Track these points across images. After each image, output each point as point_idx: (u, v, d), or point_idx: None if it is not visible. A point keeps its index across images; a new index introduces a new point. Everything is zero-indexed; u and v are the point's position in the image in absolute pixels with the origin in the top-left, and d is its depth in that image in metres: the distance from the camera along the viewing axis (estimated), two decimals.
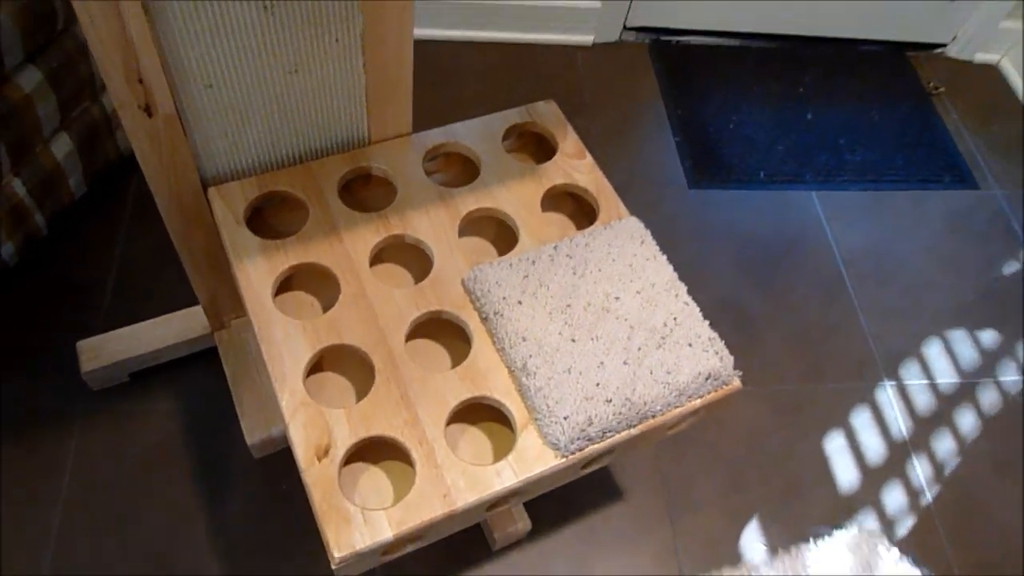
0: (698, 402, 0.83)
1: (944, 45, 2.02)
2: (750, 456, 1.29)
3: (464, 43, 1.81)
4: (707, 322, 0.87)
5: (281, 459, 1.18)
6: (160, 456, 1.17)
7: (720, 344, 0.85)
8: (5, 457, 1.14)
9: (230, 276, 1.10)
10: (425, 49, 1.78)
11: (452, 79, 1.74)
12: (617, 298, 0.86)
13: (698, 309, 0.88)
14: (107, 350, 1.16)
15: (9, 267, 1.24)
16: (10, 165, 1.14)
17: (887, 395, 1.40)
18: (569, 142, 1.03)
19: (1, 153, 1.11)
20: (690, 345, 0.84)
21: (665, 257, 0.91)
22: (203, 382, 1.22)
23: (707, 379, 0.83)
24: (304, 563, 1.10)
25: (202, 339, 1.20)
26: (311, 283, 0.94)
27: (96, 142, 1.30)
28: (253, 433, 1.12)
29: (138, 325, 1.19)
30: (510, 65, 1.78)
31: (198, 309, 1.20)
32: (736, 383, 0.86)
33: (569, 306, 0.85)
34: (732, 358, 0.85)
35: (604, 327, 0.84)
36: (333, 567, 0.73)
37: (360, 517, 0.73)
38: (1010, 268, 1.62)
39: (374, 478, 0.83)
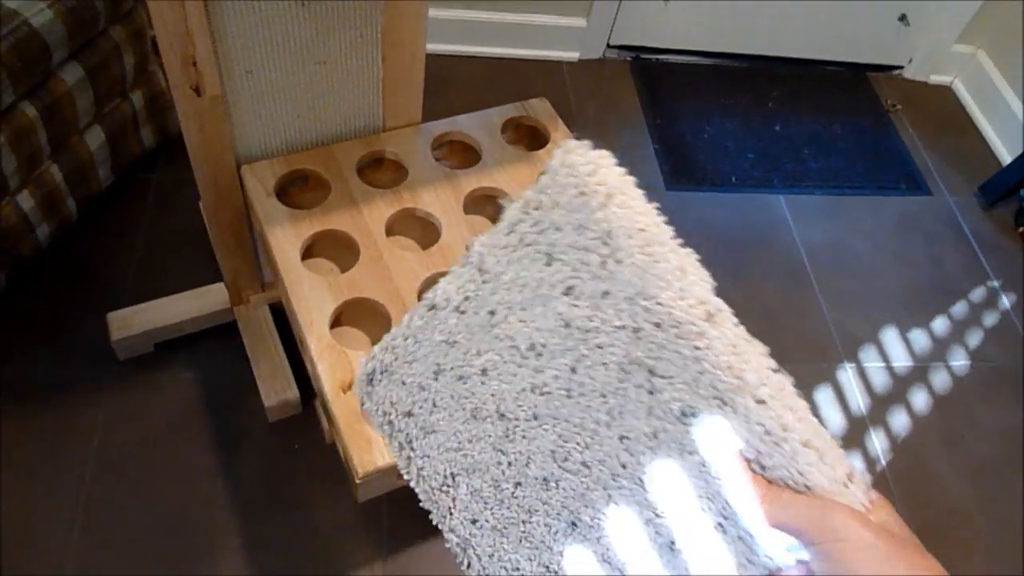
0: None
1: (901, 67, 2.19)
2: None
3: (457, 56, 1.95)
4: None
5: (293, 423, 1.28)
6: (182, 421, 1.27)
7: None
8: (39, 422, 1.23)
9: (251, 254, 1.22)
10: None
11: (446, 90, 1.87)
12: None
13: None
14: (135, 321, 1.27)
15: (43, 248, 1.34)
16: (50, 152, 1.25)
17: (847, 375, 1.53)
18: (560, 133, 1.16)
19: (44, 140, 1.22)
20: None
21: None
22: (222, 354, 1.33)
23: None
24: (311, 514, 1.20)
25: (222, 313, 1.31)
26: (331, 252, 1.05)
27: (124, 136, 1.41)
28: (270, 396, 1.23)
29: (163, 299, 1.30)
30: (500, 77, 1.92)
31: (219, 286, 1.31)
32: None
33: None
34: None
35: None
36: (357, 482, 0.84)
37: (379, 441, 0.84)
38: (958, 265, 1.77)
39: None
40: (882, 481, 1.39)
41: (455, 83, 1.89)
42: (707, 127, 1.91)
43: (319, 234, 1.00)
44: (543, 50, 1.98)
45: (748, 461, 0.44)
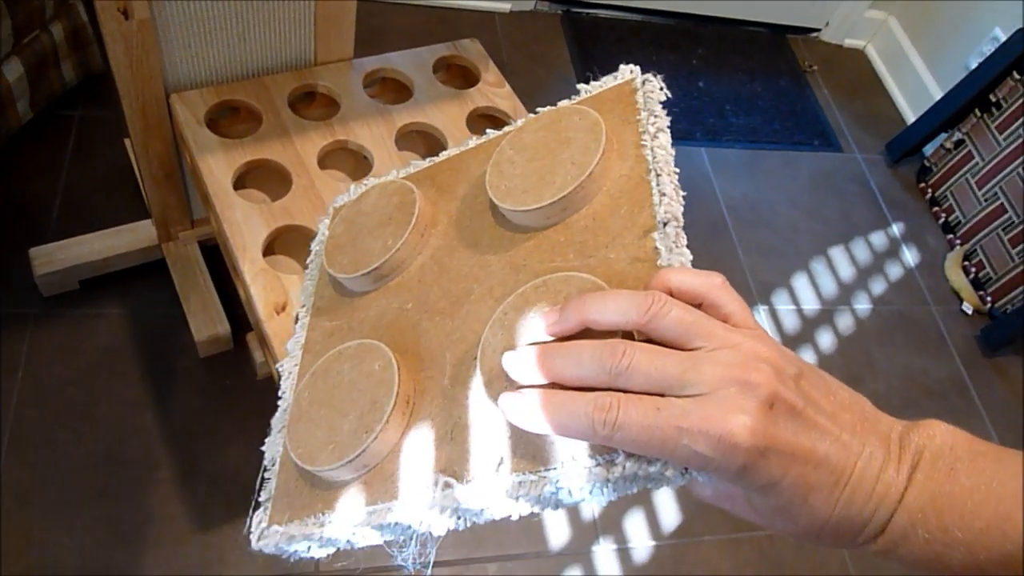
0: None
1: (819, 30, 2.28)
2: None
3: (390, 4, 1.94)
4: None
5: (224, 359, 1.29)
6: (110, 357, 1.26)
7: None
8: None
9: (180, 187, 1.21)
10: None
11: (379, 38, 1.87)
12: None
13: None
14: (59, 256, 1.25)
15: None
16: None
17: (760, 317, 1.62)
18: (491, 73, 1.19)
19: None
20: None
21: None
22: (151, 292, 1.32)
23: None
24: (245, 449, 1.22)
25: (150, 250, 1.30)
26: (263, 184, 1.06)
27: (44, 70, 1.37)
28: (201, 331, 1.24)
29: (89, 235, 1.28)
30: (433, 28, 1.93)
31: (146, 223, 1.30)
32: None
33: None
34: None
35: None
36: None
37: None
38: (864, 218, 1.88)
39: None
40: None
41: (388, 32, 1.89)
42: None
43: (251, 164, 1.01)
44: (475, 1, 1.99)
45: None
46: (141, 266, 1.32)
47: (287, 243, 1.01)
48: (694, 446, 0.30)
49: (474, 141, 0.55)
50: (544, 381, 0.35)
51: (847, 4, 2.19)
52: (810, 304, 1.68)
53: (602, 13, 2.10)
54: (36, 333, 1.25)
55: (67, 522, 1.12)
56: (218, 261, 1.30)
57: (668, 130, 0.45)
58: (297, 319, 0.56)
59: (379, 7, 1.93)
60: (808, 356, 1.59)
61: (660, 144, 0.44)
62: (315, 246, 0.59)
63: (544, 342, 0.37)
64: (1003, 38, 1.79)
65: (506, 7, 2.01)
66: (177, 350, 1.28)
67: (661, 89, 0.47)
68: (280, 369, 0.54)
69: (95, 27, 1.40)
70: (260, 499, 0.48)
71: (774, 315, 1.63)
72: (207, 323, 1.24)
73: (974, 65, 1.84)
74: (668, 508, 1.32)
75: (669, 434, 0.31)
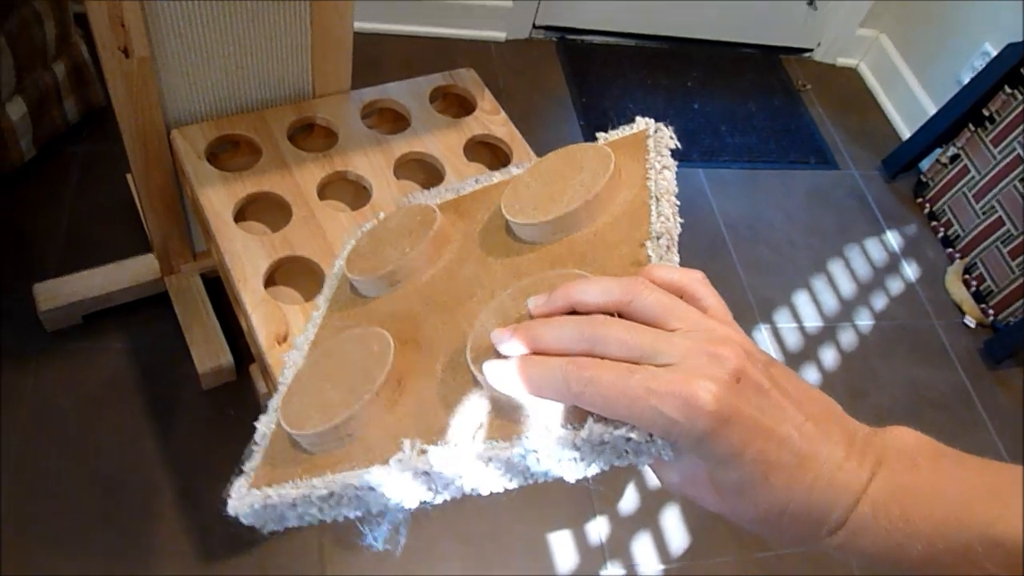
0: None
1: (811, 50, 2.31)
2: None
3: (386, 35, 1.97)
4: None
5: (228, 391, 1.29)
6: (113, 390, 1.26)
7: None
8: None
9: (182, 220, 1.22)
10: None
11: (375, 68, 1.89)
12: None
13: None
14: (62, 291, 1.26)
15: None
16: None
17: (762, 335, 1.62)
18: (487, 101, 1.20)
19: None
20: None
21: None
22: (154, 325, 1.33)
23: None
24: None
25: (152, 284, 1.31)
26: (263, 216, 1.07)
27: (47, 108, 1.39)
28: (204, 363, 1.24)
29: (91, 270, 1.29)
30: (429, 57, 1.95)
31: (148, 257, 1.31)
32: None
33: None
34: None
35: None
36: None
37: None
38: (863, 233, 1.89)
39: None
40: None
41: (385, 62, 1.91)
42: (630, 104, 1.98)
43: (251, 197, 1.02)
44: (471, 30, 2.01)
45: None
46: (144, 299, 1.33)
47: (288, 274, 1.02)
48: (661, 407, 0.32)
49: (498, 176, 0.60)
50: (527, 351, 0.37)
51: (838, 24, 2.21)
52: (812, 321, 1.68)
53: (596, 39, 2.13)
54: (40, 368, 1.26)
55: (69, 550, 1.12)
56: (220, 293, 1.31)
57: (674, 169, 0.49)
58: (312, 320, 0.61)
59: (374, 37, 1.96)
60: (811, 373, 1.59)
61: (664, 177, 0.48)
62: (338, 261, 0.64)
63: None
64: (993, 52, 1.81)
65: (501, 36, 2.04)
66: (180, 381, 1.29)
67: (671, 138, 0.52)
68: (285, 358, 0.57)
69: (97, 64, 1.42)
70: (243, 468, 0.50)
71: (776, 333, 1.63)
72: (210, 354, 1.25)
73: (966, 79, 1.85)
74: (676, 531, 1.32)
75: (639, 393, 0.32)
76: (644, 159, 0.50)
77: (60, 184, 1.47)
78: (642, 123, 0.54)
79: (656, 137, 0.52)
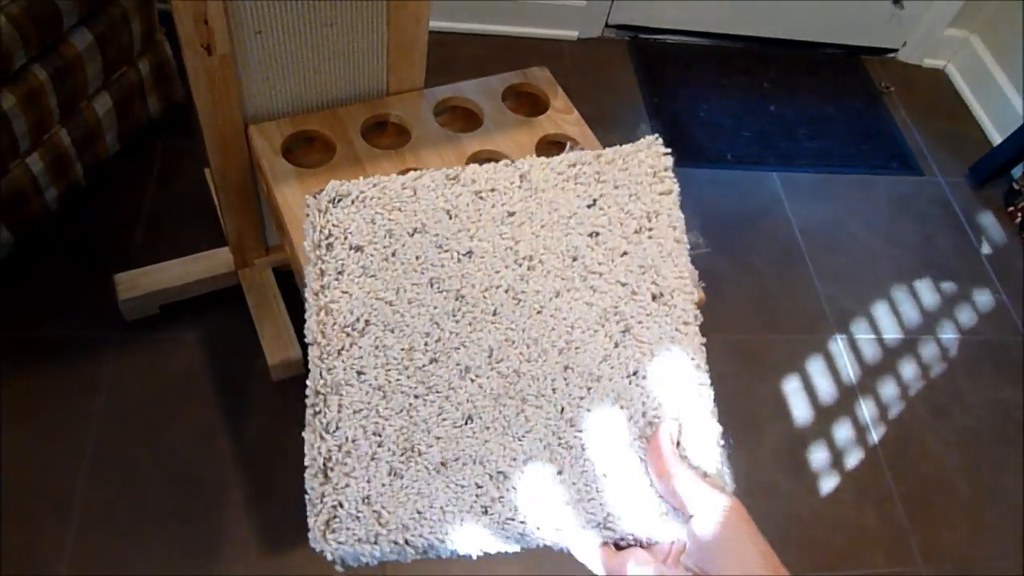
0: None
1: (895, 50, 2.22)
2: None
3: (460, 34, 1.97)
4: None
5: (297, 383, 1.31)
6: (187, 380, 1.29)
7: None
8: (47, 378, 1.26)
9: (256, 215, 1.24)
10: None
11: (447, 67, 1.89)
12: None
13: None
14: (141, 282, 1.30)
15: (51, 211, 1.37)
16: (59, 116, 1.28)
17: (838, 346, 1.56)
18: (560, 100, 1.19)
19: (54, 104, 1.24)
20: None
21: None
22: (227, 317, 1.35)
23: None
24: None
25: (227, 277, 1.34)
26: None
27: (131, 104, 1.44)
28: (274, 355, 1.26)
29: (169, 262, 1.32)
30: (501, 56, 1.95)
31: (224, 250, 1.33)
32: None
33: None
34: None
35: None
36: None
37: None
38: (948, 244, 1.80)
39: None
40: (871, 451, 1.42)
41: (458, 61, 1.91)
42: (704, 106, 1.94)
43: None
44: (544, 28, 2.00)
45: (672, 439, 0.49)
46: (218, 291, 1.36)
47: None
48: None
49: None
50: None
51: (925, 23, 2.12)
52: (891, 333, 1.61)
53: (670, 39, 2.09)
54: (118, 356, 1.30)
55: (141, 541, 1.14)
56: (292, 287, 1.33)
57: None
58: None
59: (448, 37, 1.96)
60: (890, 387, 1.52)
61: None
62: None
63: None
64: None
65: (574, 35, 2.02)
66: (251, 374, 1.31)
67: (666, 154, 0.59)
68: None
69: (179, 62, 1.46)
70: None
71: (853, 344, 1.57)
72: (280, 347, 1.27)
73: None
74: None
75: None
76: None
77: (142, 177, 1.52)
78: (643, 140, 0.60)
79: (651, 151, 0.59)
